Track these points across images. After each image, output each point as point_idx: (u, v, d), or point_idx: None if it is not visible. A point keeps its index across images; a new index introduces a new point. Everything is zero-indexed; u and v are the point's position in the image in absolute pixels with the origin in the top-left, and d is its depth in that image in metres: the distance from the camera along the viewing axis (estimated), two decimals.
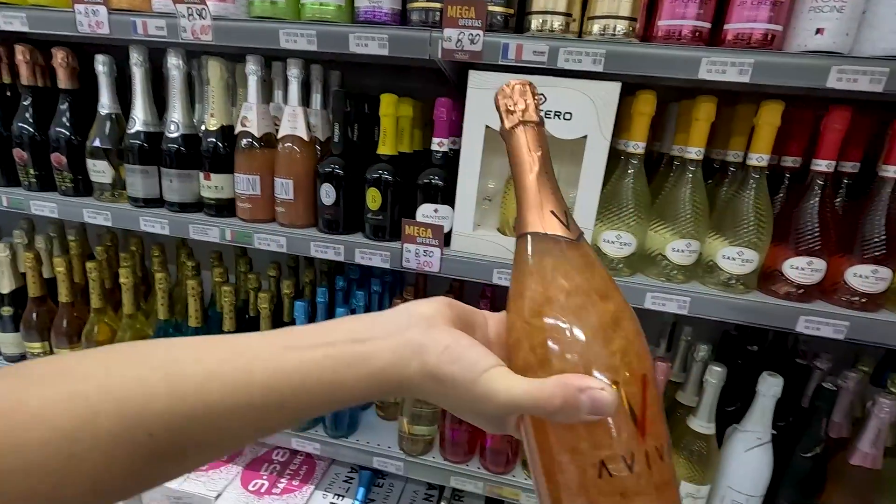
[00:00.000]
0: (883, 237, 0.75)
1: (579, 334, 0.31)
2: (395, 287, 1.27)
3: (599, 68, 0.74)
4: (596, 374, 0.30)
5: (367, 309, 1.17)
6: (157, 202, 1.03)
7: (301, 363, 0.30)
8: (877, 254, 0.75)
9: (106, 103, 1.02)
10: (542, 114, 0.36)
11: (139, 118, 0.98)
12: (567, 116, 0.79)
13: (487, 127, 0.83)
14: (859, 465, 0.85)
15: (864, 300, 0.77)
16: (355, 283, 1.26)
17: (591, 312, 0.32)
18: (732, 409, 1.00)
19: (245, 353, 0.31)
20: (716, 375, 0.88)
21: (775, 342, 1.10)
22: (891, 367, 1.05)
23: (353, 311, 1.15)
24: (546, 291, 0.33)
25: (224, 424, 0.29)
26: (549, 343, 0.31)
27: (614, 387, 0.30)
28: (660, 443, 0.31)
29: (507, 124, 0.35)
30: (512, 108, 0.35)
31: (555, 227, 0.34)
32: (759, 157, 0.77)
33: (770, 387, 0.86)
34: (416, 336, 0.31)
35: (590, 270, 0.34)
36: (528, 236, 0.35)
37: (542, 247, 0.34)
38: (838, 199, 0.85)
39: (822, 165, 0.76)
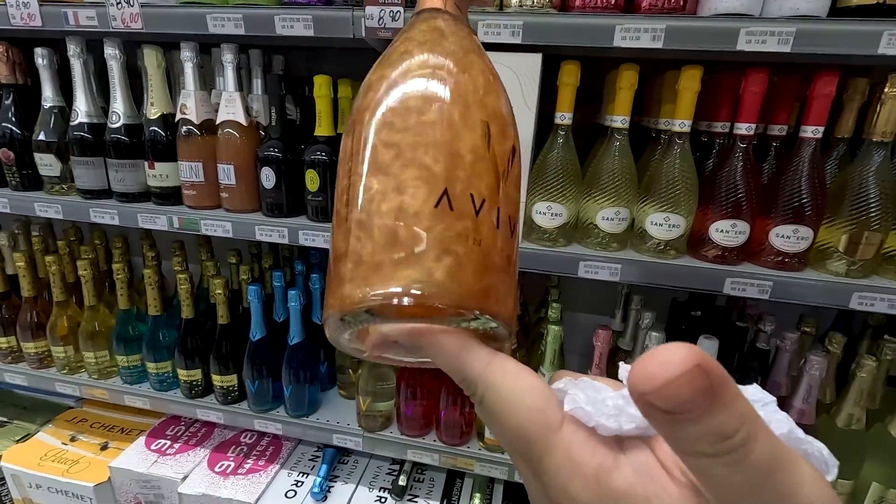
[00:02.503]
0: (803, 197, 0.76)
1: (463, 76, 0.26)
2: None
3: (518, 40, 0.75)
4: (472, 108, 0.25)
5: (324, 292, 1.19)
6: (105, 193, 1.04)
7: None
8: (797, 213, 0.76)
9: (49, 96, 1.02)
10: None
11: (81, 110, 0.99)
12: None
13: None
14: (793, 421, 0.87)
15: (787, 260, 0.79)
16: (316, 266, 1.28)
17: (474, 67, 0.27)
18: None
19: None
20: (654, 340, 0.90)
21: (725, 308, 1.12)
22: (840, 328, 1.07)
23: (308, 295, 1.17)
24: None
25: None
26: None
27: (483, 123, 0.25)
28: (513, 217, 0.26)
29: None
30: None
31: None
32: (681, 123, 0.78)
33: (705, 349, 0.88)
34: None
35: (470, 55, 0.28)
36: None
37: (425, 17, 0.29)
38: (768, 163, 0.87)
39: (743, 128, 0.77)
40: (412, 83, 0.26)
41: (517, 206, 0.27)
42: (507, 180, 0.26)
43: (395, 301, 0.22)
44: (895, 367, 0.95)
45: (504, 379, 0.22)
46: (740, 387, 0.22)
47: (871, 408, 0.92)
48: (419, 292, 0.22)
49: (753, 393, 0.22)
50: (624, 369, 0.20)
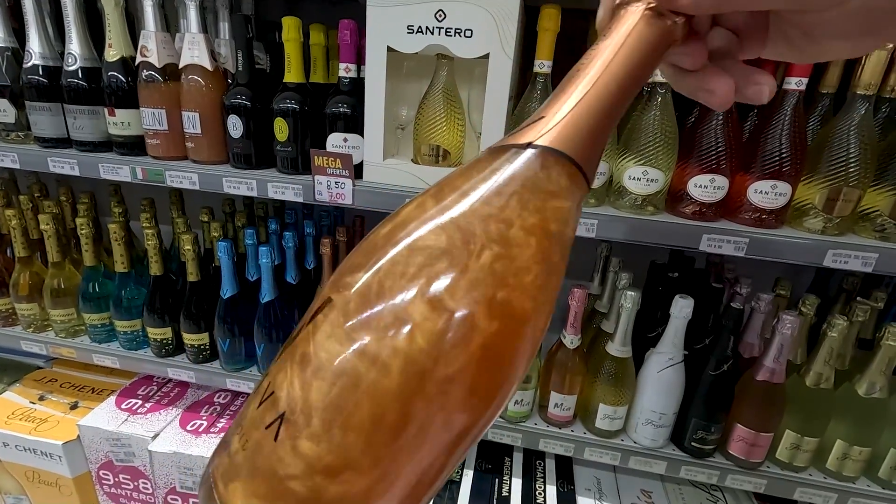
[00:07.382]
0: (783, 151, 0.74)
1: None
2: (332, 228, 1.26)
3: None
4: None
5: (298, 250, 1.16)
6: (65, 142, 0.99)
7: None
8: (776, 169, 0.74)
9: (0, 37, 0.96)
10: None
11: (35, 51, 0.93)
12: (468, 33, 0.76)
13: (390, 49, 0.79)
14: (764, 380, 0.88)
15: (764, 217, 0.77)
16: (291, 225, 1.25)
17: None
18: (653, 334, 1.02)
19: None
20: (629, 300, 0.89)
21: (703, 270, 1.12)
22: (816, 291, 1.07)
23: (282, 253, 1.14)
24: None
25: None
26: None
27: None
28: None
29: None
30: None
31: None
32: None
33: (681, 308, 0.88)
34: None
35: None
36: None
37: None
38: (750, 118, 0.85)
39: None
40: None
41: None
42: None
43: None
44: (866, 330, 0.96)
45: None
46: None
47: (841, 368, 0.93)
48: None
49: None
50: None
